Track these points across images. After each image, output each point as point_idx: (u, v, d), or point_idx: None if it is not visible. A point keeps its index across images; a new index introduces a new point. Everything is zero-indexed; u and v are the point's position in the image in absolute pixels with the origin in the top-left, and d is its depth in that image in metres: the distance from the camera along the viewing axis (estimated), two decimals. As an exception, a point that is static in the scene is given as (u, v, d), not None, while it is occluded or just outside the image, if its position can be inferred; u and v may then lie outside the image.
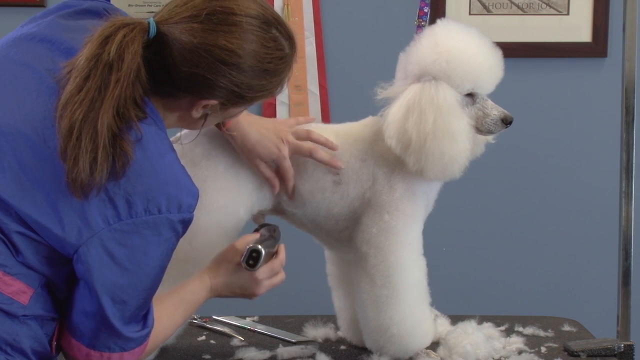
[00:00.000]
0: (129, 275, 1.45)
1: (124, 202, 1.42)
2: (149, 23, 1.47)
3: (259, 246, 1.64)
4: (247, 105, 1.60)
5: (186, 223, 1.49)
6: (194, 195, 1.49)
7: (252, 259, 1.64)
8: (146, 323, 1.52)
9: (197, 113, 1.54)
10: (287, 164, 1.84)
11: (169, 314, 1.62)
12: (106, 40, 1.43)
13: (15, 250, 1.43)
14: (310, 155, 1.84)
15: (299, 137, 1.85)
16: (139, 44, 1.45)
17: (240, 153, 1.83)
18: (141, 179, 1.43)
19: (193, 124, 1.58)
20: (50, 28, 1.54)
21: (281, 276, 1.72)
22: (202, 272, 1.69)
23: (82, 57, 1.43)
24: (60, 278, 1.47)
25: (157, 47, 1.48)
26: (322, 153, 1.85)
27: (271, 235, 1.74)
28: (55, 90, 1.45)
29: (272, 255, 1.71)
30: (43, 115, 1.44)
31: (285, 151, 1.83)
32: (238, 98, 1.53)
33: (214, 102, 1.52)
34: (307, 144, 1.85)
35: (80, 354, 1.50)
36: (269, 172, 1.84)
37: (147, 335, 1.53)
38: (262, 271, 1.68)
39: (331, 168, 1.85)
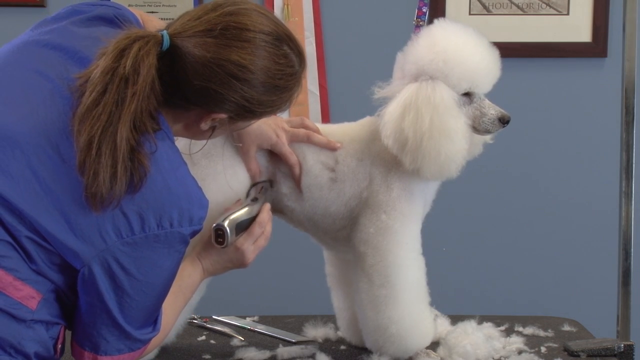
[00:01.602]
0: (139, 285, 1.47)
1: (137, 216, 1.43)
2: (162, 36, 1.48)
3: (224, 223, 1.69)
4: (255, 120, 1.61)
5: (196, 233, 1.52)
6: (205, 207, 1.51)
7: (219, 236, 1.70)
8: (156, 326, 1.55)
9: (205, 125, 1.55)
10: (287, 150, 1.85)
11: (171, 303, 1.64)
12: (121, 53, 1.43)
13: (28, 258, 1.43)
14: (307, 139, 1.86)
15: (293, 125, 1.87)
16: (154, 57, 1.45)
17: (238, 138, 1.83)
18: (154, 193, 1.44)
19: (200, 134, 1.59)
20: (63, 35, 1.54)
21: (264, 237, 1.76)
22: (192, 255, 1.72)
23: (98, 69, 1.43)
24: (70, 286, 1.48)
25: (169, 59, 1.48)
26: (319, 137, 1.86)
27: (255, 197, 1.79)
28: (69, 101, 1.45)
29: (252, 219, 1.75)
30: (57, 126, 1.44)
31: (284, 138, 1.85)
32: (247, 113, 1.54)
33: (223, 115, 1.53)
34: (304, 130, 1.87)
35: None
36: (253, 165, 1.85)
37: (155, 335, 1.55)
38: (242, 240, 1.72)
39: (330, 149, 1.86)
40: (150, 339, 1.55)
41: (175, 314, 1.67)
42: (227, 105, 1.51)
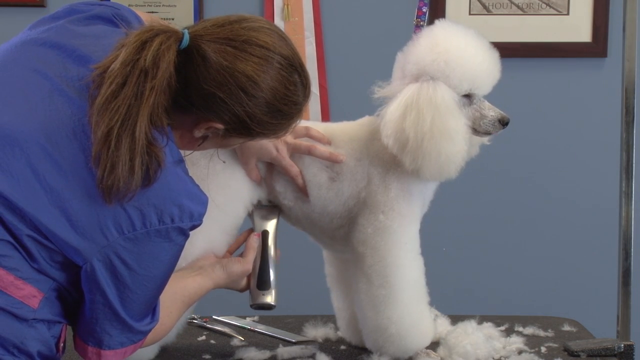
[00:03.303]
0: (140, 278, 1.47)
1: (138, 212, 1.44)
2: (183, 33, 1.49)
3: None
4: (248, 139, 1.61)
5: (195, 227, 1.52)
6: (205, 203, 1.52)
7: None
8: (154, 315, 1.56)
9: (198, 133, 1.55)
10: (286, 163, 1.85)
11: (177, 308, 1.68)
12: (143, 45, 1.44)
13: (29, 256, 1.43)
14: (309, 152, 1.85)
15: (297, 134, 1.86)
16: (174, 53, 1.46)
17: (239, 149, 1.84)
18: (154, 189, 1.45)
19: (191, 143, 1.59)
20: (61, 34, 1.54)
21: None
22: (213, 270, 1.77)
23: (118, 61, 1.43)
24: (72, 283, 1.48)
25: (183, 58, 1.48)
26: (321, 149, 1.86)
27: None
28: (69, 99, 1.45)
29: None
30: (56, 124, 1.44)
31: (284, 152, 1.84)
32: (244, 129, 1.54)
33: (220, 126, 1.53)
34: (305, 143, 1.86)
35: (97, 357, 1.52)
36: (255, 175, 1.86)
37: (154, 325, 1.56)
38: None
39: (332, 162, 1.86)
40: (150, 330, 1.55)
41: (177, 320, 1.69)
42: (227, 117, 1.51)
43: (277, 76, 1.51)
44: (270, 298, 1.83)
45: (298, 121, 1.61)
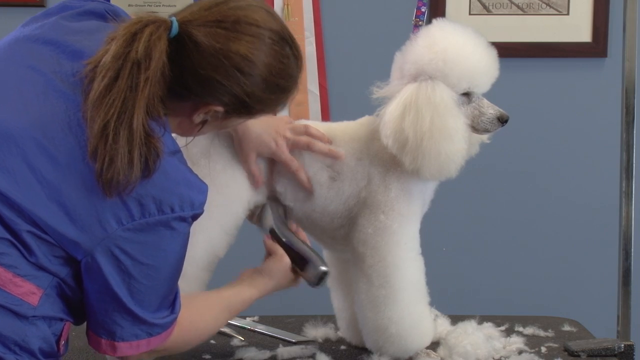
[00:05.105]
0: (145, 269, 1.47)
1: (137, 203, 1.44)
2: (172, 22, 1.48)
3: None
4: (248, 118, 1.61)
5: (197, 216, 1.52)
6: (205, 191, 1.52)
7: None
8: (174, 309, 1.55)
9: (198, 118, 1.55)
10: (286, 157, 1.85)
11: (214, 316, 1.69)
12: (133, 37, 1.44)
13: (27, 251, 1.43)
14: (308, 148, 1.86)
15: (297, 132, 1.87)
16: (165, 42, 1.46)
17: (238, 145, 1.84)
18: (153, 180, 1.44)
19: (190, 129, 1.59)
20: (55, 30, 1.54)
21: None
22: (252, 278, 1.79)
23: (109, 54, 1.43)
24: (76, 277, 1.48)
25: (175, 46, 1.48)
26: (320, 145, 1.86)
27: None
28: (64, 94, 1.45)
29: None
30: (52, 119, 1.44)
31: (283, 146, 1.85)
32: (244, 108, 1.54)
33: (219, 108, 1.53)
34: (305, 138, 1.86)
35: (112, 350, 1.52)
36: (254, 169, 1.86)
37: (174, 320, 1.55)
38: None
39: (331, 158, 1.86)
40: (169, 323, 1.54)
41: (215, 325, 1.70)
42: (226, 98, 1.51)
43: (270, 51, 1.51)
44: (319, 268, 1.81)
45: (295, 94, 1.60)
